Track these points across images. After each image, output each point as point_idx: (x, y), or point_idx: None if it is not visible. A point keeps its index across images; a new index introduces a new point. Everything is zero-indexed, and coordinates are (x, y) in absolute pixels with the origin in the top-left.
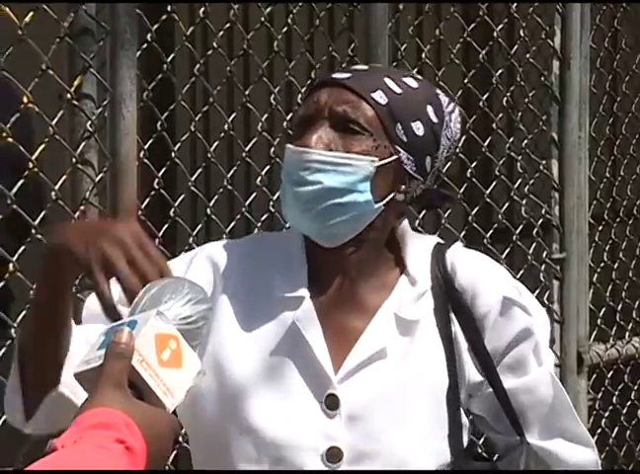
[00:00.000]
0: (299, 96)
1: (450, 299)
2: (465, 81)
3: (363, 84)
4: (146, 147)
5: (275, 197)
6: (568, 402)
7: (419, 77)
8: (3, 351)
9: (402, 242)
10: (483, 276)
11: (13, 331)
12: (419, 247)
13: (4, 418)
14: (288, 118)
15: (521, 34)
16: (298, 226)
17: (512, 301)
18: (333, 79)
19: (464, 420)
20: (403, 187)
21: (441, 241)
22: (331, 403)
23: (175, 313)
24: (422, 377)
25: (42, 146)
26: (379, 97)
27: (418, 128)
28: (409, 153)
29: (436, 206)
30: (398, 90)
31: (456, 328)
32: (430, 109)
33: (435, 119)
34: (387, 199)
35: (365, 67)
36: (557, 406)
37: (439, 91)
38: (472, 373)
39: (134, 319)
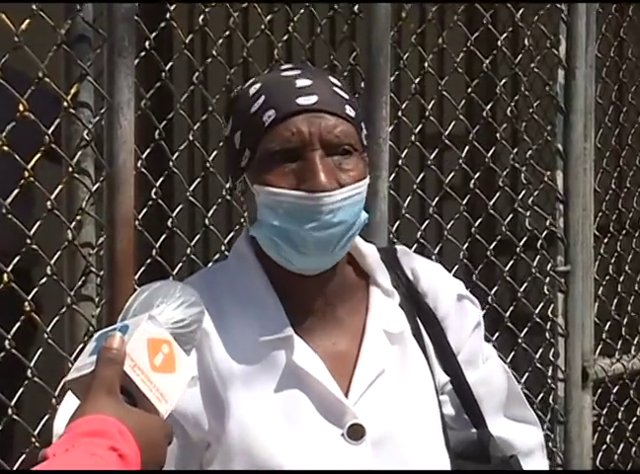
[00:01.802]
0: None
1: (416, 305)
2: (469, 90)
3: (334, 103)
4: (144, 156)
5: None
6: (518, 389)
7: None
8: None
9: (356, 251)
10: (440, 278)
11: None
12: (371, 254)
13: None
14: None
15: (526, 42)
16: (306, 266)
17: (463, 296)
18: (301, 106)
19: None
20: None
21: (379, 246)
22: (353, 432)
23: (167, 317)
24: (418, 387)
25: (38, 155)
26: (349, 110)
27: (365, 128)
28: (367, 155)
29: None
30: (345, 96)
31: (423, 332)
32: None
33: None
34: None
35: (309, 83)
36: (509, 393)
37: None
38: (439, 375)
39: (126, 324)
